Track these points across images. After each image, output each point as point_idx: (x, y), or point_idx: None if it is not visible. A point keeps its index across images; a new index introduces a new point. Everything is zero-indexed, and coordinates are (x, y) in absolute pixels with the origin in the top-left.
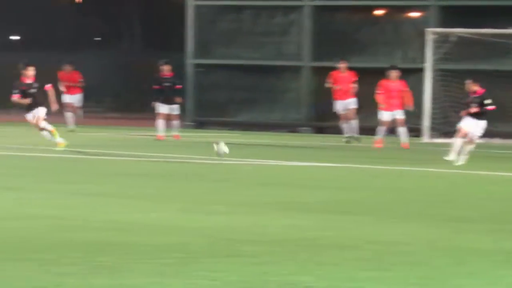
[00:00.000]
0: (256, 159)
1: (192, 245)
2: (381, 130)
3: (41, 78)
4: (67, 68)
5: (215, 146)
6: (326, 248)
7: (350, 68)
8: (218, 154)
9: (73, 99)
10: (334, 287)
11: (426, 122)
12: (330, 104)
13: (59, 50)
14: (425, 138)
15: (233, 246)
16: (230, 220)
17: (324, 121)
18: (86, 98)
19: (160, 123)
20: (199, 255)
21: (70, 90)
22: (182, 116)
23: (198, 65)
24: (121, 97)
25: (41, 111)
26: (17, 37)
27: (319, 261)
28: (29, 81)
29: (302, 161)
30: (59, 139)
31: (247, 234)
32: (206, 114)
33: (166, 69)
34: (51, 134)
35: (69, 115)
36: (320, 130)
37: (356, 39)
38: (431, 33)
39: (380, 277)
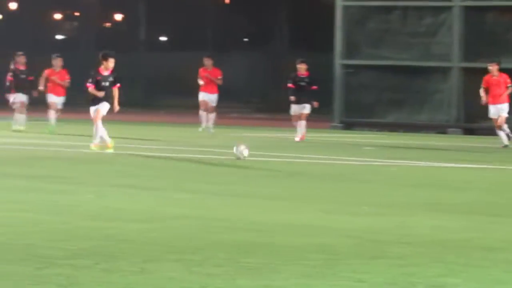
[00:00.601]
0: (402, 160)
1: (338, 246)
2: None
3: (189, 78)
4: (208, 62)
5: (235, 148)
6: (474, 250)
7: (501, 70)
8: (237, 156)
9: (209, 98)
10: None
11: None
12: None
13: (207, 50)
14: None
15: (379, 248)
16: (375, 221)
17: (473, 122)
18: (234, 99)
19: (296, 124)
20: (344, 257)
21: (208, 87)
22: (329, 117)
23: (346, 66)
24: (268, 98)
25: (104, 108)
26: (165, 38)
27: (467, 263)
28: (106, 73)
29: (450, 162)
30: (97, 141)
31: (393, 236)
32: (353, 115)
33: (302, 68)
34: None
35: (204, 114)
36: (469, 131)
37: (506, 39)
38: None
39: None
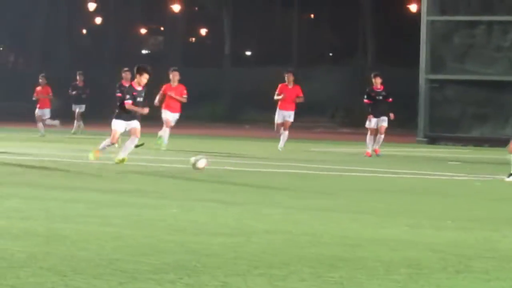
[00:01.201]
0: (487, 174)
1: (422, 260)
2: None
3: (273, 93)
4: (290, 78)
5: (193, 159)
6: None
7: None
8: (195, 166)
9: (288, 116)
10: None
11: None
12: None
13: (292, 65)
14: None
15: (463, 262)
16: (459, 236)
17: None
18: (319, 113)
19: (370, 139)
20: (429, 271)
21: (285, 104)
22: (414, 132)
23: (431, 81)
24: (353, 112)
25: (138, 130)
26: (250, 53)
27: None
28: (139, 88)
29: None
30: (94, 155)
31: (477, 250)
32: (438, 129)
33: (378, 82)
34: (105, 146)
35: (285, 133)
36: None
37: None
38: None
39: None
